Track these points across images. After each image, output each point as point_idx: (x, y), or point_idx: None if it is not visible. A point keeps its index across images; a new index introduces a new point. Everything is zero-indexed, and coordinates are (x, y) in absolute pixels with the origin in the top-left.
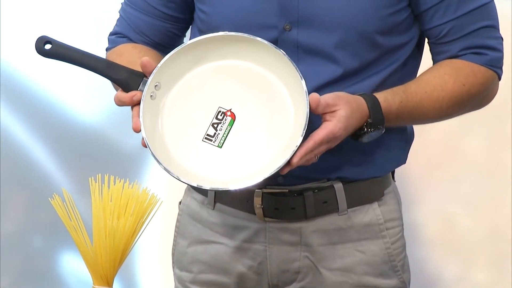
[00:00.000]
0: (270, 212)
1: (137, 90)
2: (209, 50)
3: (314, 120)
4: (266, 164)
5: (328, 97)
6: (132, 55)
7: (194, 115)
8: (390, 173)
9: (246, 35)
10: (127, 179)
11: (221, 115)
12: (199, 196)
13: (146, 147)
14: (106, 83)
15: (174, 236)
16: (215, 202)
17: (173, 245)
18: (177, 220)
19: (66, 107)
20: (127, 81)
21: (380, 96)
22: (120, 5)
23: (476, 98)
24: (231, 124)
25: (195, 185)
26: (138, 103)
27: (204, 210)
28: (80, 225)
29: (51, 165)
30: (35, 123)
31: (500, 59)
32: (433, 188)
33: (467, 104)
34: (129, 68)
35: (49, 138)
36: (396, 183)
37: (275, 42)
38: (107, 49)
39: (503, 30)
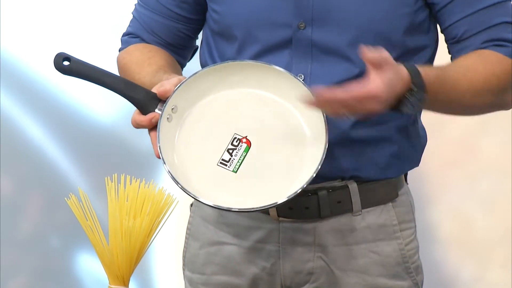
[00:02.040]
0: (284, 211)
1: (154, 111)
2: (227, 76)
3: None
4: (280, 192)
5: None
6: (142, 54)
7: (209, 139)
8: (403, 175)
9: (265, 63)
10: (143, 179)
11: (236, 142)
12: None
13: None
14: None
15: (186, 238)
16: None
17: (184, 247)
18: (189, 222)
19: (82, 107)
20: (145, 101)
21: (418, 66)
22: (134, 7)
23: (504, 86)
24: (246, 150)
25: (223, 207)
26: (156, 126)
27: (215, 212)
28: (96, 225)
29: (67, 165)
30: (51, 123)
31: None
32: (450, 188)
33: (497, 92)
34: (147, 89)
35: (65, 138)
36: (412, 183)
37: (289, 40)
38: (119, 50)
39: None
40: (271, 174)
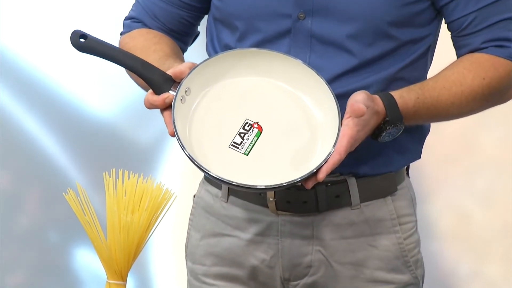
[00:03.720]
0: (282, 205)
1: (168, 92)
2: (243, 62)
3: None
4: (288, 176)
5: (362, 99)
6: (147, 40)
7: (221, 123)
8: (405, 168)
9: (282, 53)
10: (141, 173)
11: (248, 126)
12: (213, 189)
13: (183, 149)
14: (120, 78)
15: (188, 229)
16: (228, 195)
17: (187, 237)
18: (191, 213)
19: (80, 101)
20: (160, 81)
21: (396, 93)
22: None
23: (497, 92)
24: (258, 135)
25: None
26: (169, 107)
27: (217, 203)
28: (94, 219)
29: (66, 160)
30: (49, 118)
31: None
32: (448, 183)
33: (488, 99)
34: (162, 71)
35: (63, 133)
36: (411, 177)
37: (289, 31)
38: (121, 33)
39: None
40: (280, 160)
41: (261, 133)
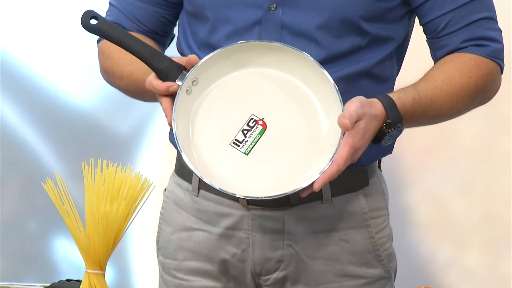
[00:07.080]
0: (254, 199)
1: (174, 81)
2: (253, 56)
3: None
4: (287, 181)
5: (353, 110)
6: None
7: (226, 117)
8: (376, 162)
9: (293, 48)
10: (120, 163)
11: (252, 123)
12: (184, 183)
13: (175, 142)
14: (99, 68)
15: (159, 223)
16: (199, 189)
17: (158, 232)
18: (162, 207)
19: (59, 91)
20: (167, 71)
21: (393, 95)
22: None
23: (482, 90)
24: (261, 133)
25: (217, 188)
26: (170, 95)
27: (188, 197)
28: (73, 209)
29: (44, 149)
30: (28, 108)
31: (501, 50)
32: (427, 172)
33: (475, 97)
34: (171, 59)
35: (42, 123)
36: (389, 167)
37: (259, 21)
38: (98, 41)
39: (504, 26)
40: (279, 165)
41: (264, 131)
